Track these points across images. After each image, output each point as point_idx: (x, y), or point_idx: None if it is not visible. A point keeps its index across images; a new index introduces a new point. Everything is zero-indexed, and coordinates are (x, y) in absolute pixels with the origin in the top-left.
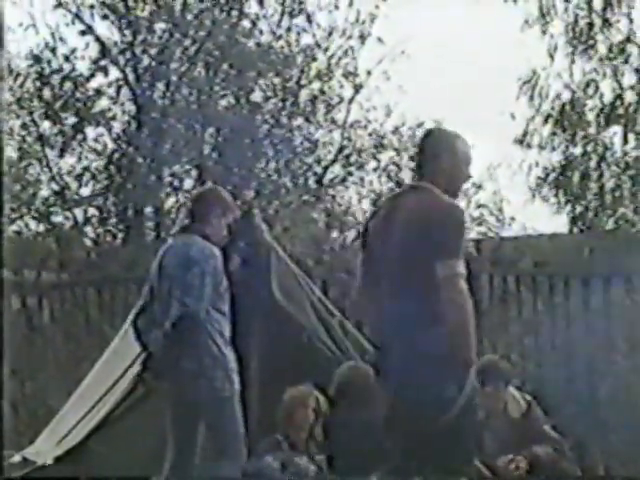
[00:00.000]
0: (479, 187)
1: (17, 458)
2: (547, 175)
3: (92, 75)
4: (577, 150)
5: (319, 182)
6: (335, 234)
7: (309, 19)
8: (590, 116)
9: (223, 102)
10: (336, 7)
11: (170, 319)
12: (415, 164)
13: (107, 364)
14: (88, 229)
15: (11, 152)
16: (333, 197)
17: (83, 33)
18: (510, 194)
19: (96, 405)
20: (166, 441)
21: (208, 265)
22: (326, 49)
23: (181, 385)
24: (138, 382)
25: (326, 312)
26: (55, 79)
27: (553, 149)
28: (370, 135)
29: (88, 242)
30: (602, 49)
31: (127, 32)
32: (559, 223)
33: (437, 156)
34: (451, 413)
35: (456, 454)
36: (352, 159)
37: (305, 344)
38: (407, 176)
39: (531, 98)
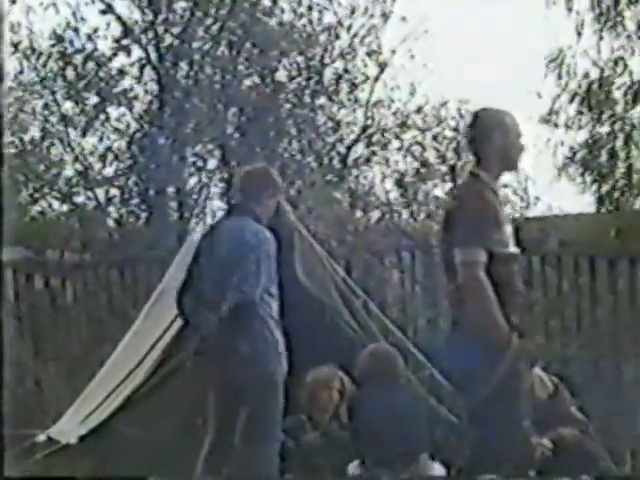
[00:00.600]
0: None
1: (42, 437)
2: (573, 154)
3: (114, 55)
4: (604, 129)
5: (343, 162)
6: (359, 214)
7: None
8: (617, 94)
9: (247, 82)
10: None
11: (228, 305)
12: (469, 147)
13: (130, 345)
14: (111, 209)
15: (34, 132)
16: (356, 177)
17: (103, 12)
18: (536, 174)
19: (120, 385)
20: (189, 422)
21: (262, 251)
22: (349, 27)
23: (234, 370)
24: (161, 362)
25: (350, 293)
26: (77, 59)
27: (580, 128)
28: (394, 114)
29: (111, 222)
30: (630, 26)
31: (147, 11)
32: (585, 203)
33: (489, 137)
34: (482, 396)
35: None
36: (375, 138)
37: (328, 325)
38: (431, 155)
39: (558, 76)
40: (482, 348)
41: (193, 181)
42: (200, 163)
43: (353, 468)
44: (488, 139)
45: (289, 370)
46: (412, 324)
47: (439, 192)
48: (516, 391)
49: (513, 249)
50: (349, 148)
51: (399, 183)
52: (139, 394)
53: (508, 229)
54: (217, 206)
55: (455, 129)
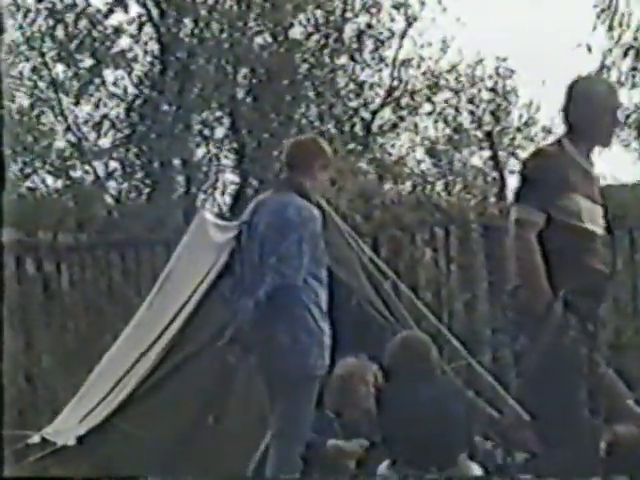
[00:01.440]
0: (549, 131)
1: (36, 439)
2: (627, 116)
3: (110, 11)
4: None
5: (367, 129)
6: (386, 187)
7: None
8: None
9: (258, 40)
10: None
11: (265, 289)
12: (561, 115)
13: (133, 336)
14: (109, 185)
15: (21, 99)
16: (382, 145)
17: None
18: None
19: (121, 380)
20: (199, 419)
21: (306, 230)
22: None
23: (271, 361)
24: (167, 355)
25: (378, 274)
26: (69, 16)
27: (633, 86)
28: (424, 74)
29: (109, 199)
30: None
31: None
32: None
33: (577, 106)
34: (523, 367)
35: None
36: (404, 102)
37: (354, 310)
38: (466, 120)
39: (609, 28)
40: (523, 315)
41: (200, 152)
42: (207, 132)
43: (383, 469)
44: (576, 109)
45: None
46: (447, 308)
47: (476, 161)
48: (564, 372)
49: (590, 225)
50: (374, 113)
51: (431, 151)
52: (143, 390)
53: (586, 204)
54: (228, 179)
55: (492, 90)
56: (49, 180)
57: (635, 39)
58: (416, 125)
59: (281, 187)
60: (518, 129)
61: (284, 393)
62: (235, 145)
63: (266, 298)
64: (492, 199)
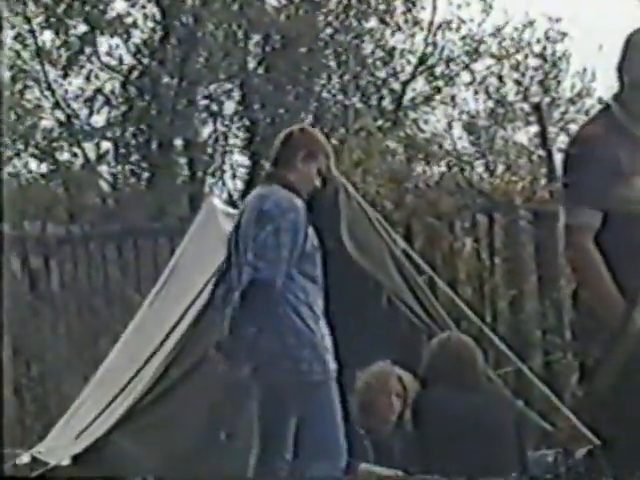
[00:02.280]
0: (606, 107)
1: (25, 459)
2: None
3: None
4: None
5: (397, 102)
6: (419, 168)
7: None
8: None
9: (272, 0)
10: None
11: (240, 288)
12: (617, 75)
13: (133, 340)
14: (103, 169)
15: (3, 71)
16: (415, 121)
17: None
18: None
19: (121, 392)
20: (206, 435)
21: (285, 220)
22: None
23: (260, 369)
24: (172, 363)
25: (411, 267)
26: None
27: None
28: (463, 39)
29: (104, 185)
30: None
31: None
32: None
33: (631, 60)
34: (595, 384)
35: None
36: (439, 71)
37: (383, 308)
38: (510, 91)
39: None
40: (590, 319)
41: (207, 130)
42: (215, 107)
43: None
44: (632, 64)
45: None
46: (491, 306)
47: (521, 138)
48: None
49: None
50: (405, 84)
51: (470, 127)
52: (146, 402)
53: None
54: (238, 161)
55: (541, 56)
56: (33, 164)
57: None
58: (453, 97)
59: (264, 182)
60: (570, 101)
61: (291, 405)
62: (246, 122)
63: (242, 298)
64: (541, 181)
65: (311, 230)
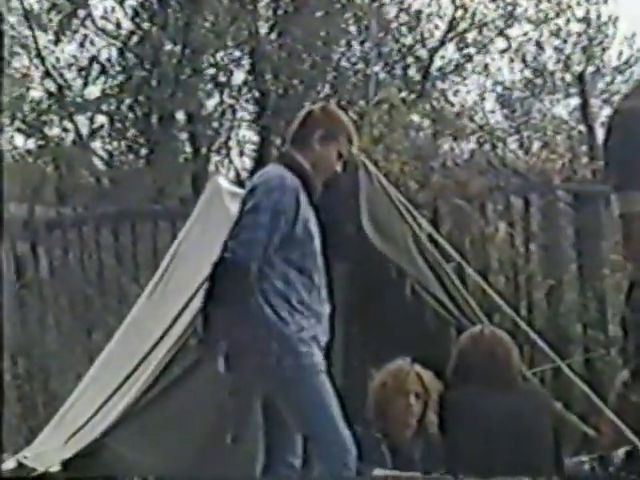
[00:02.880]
0: None
1: (11, 464)
2: None
3: None
4: None
5: (424, 72)
6: (447, 145)
7: None
8: None
9: None
10: None
11: (212, 274)
12: None
13: (130, 334)
14: (97, 145)
15: None
16: (443, 92)
17: None
18: None
19: (116, 392)
20: (210, 438)
21: (268, 198)
22: None
23: (231, 361)
24: (173, 359)
25: (438, 253)
26: None
27: None
28: (495, 1)
29: (98, 163)
30: None
31: None
32: None
33: None
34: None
35: None
36: (470, 37)
37: (408, 299)
38: (549, 59)
39: None
40: None
41: (212, 102)
42: (222, 77)
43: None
44: None
45: (355, 365)
46: (526, 297)
47: (560, 111)
48: None
49: None
50: (433, 51)
51: (504, 100)
52: (143, 403)
53: None
54: (246, 136)
55: (584, 20)
56: (19, 139)
57: None
58: (486, 66)
59: (274, 161)
60: (616, 70)
61: (272, 402)
62: (256, 94)
63: (215, 282)
64: (582, 159)
65: (309, 215)
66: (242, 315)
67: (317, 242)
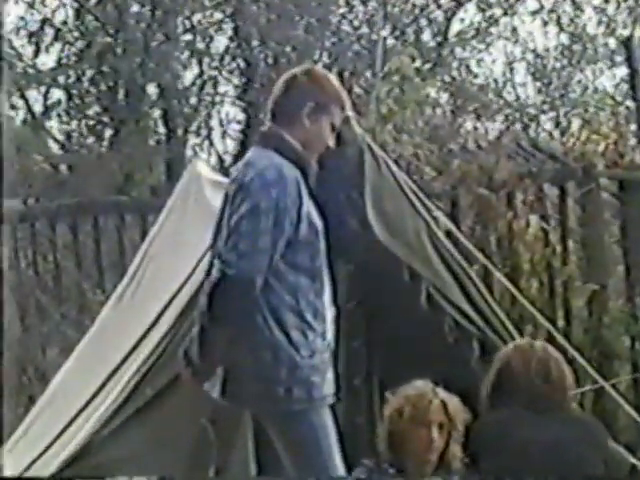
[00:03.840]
0: None
1: None
2: None
3: None
4: None
5: (441, 37)
6: (469, 124)
7: None
8: None
9: None
10: None
11: (207, 290)
12: None
13: (93, 350)
14: (53, 125)
15: None
16: (463, 62)
17: None
18: None
19: (77, 417)
20: (189, 471)
21: (266, 197)
22: None
23: (229, 390)
24: (146, 378)
25: (458, 253)
26: None
27: None
28: None
29: (54, 146)
30: None
31: None
32: None
33: None
34: None
35: None
36: None
37: (423, 308)
38: (590, 22)
39: None
40: None
41: (189, 75)
42: (200, 44)
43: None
44: None
45: (361, 385)
46: (563, 305)
47: (604, 84)
48: None
49: None
50: (450, 13)
51: (536, 70)
52: (110, 429)
53: None
54: (230, 114)
55: None
56: None
57: None
58: (514, 30)
59: (258, 143)
60: None
61: (272, 436)
62: (241, 63)
63: (210, 299)
64: (630, 141)
65: (311, 207)
66: (246, 335)
67: (322, 237)
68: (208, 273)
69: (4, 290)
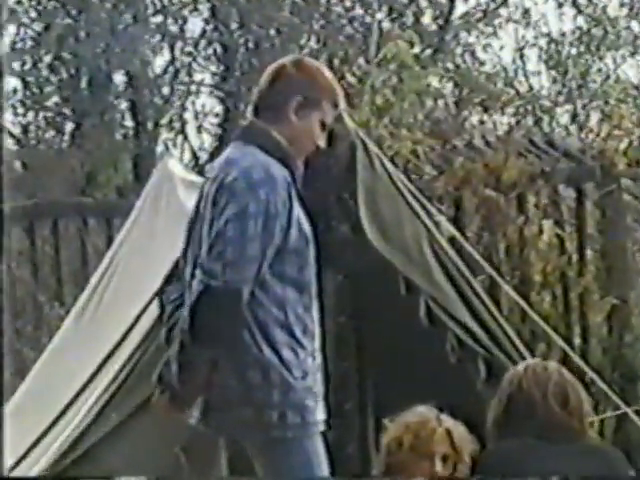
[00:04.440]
0: None
1: None
2: None
3: None
4: None
5: (443, 20)
6: (475, 117)
7: None
8: None
9: None
10: None
11: (190, 304)
12: None
13: (51, 370)
14: (7, 117)
15: None
16: (468, 47)
17: None
18: None
19: (33, 447)
20: None
21: (255, 198)
22: None
23: (213, 415)
24: (111, 402)
25: (462, 265)
26: None
27: None
28: None
29: (8, 142)
30: None
31: None
32: None
33: None
34: None
35: None
36: None
37: (423, 325)
38: (611, 2)
39: None
40: None
41: (160, 61)
42: (172, 26)
43: None
44: None
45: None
46: (579, 321)
47: (627, 72)
48: None
49: None
50: None
51: (550, 57)
52: (69, 460)
53: None
54: (206, 106)
55: None
56: None
57: None
58: (526, 12)
59: (239, 139)
60: None
61: (256, 463)
62: (218, 49)
63: (192, 314)
64: None
65: (300, 211)
66: (232, 354)
67: (312, 245)
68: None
69: None
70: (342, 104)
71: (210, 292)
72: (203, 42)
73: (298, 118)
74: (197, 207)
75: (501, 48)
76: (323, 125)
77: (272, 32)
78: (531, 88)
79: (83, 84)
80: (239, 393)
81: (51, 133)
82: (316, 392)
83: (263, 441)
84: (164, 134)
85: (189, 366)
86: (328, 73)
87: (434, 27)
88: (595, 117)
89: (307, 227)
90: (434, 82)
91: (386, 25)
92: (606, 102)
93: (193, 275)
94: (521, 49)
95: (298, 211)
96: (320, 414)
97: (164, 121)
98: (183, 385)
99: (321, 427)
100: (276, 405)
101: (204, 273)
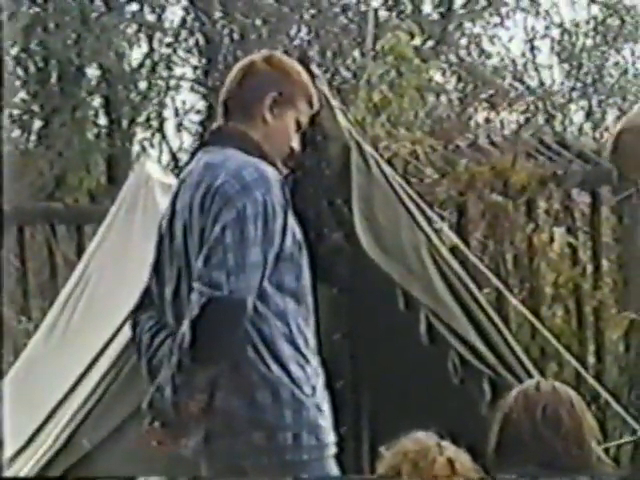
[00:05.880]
0: None
1: None
2: None
3: None
4: None
5: (445, 8)
6: (480, 115)
7: None
8: None
9: None
10: None
11: (190, 317)
12: None
13: (18, 389)
14: None
15: None
16: (473, 39)
17: None
18: None
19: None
20: None
21: (252, 200)
22: None
23: (215, 442)
24: (81, 428)
25: (466, 274)
26: None
27: None
28: None
29: None
30: None
31: None
32: None
33: None
34: None
35: None
36: None
37: (423, 342)
38: None
39: None
40: None
41: (138, 53)
42: (150, 15)
43: None
44: None
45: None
46: (595, 338)
47: None
48: None
49: None
50: None
51: (563, 50)
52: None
53: None
54: (187, 102)
55: None
56: None
57: None
58: (536, 0)
59: (213, 143)
60: None
61: None
62: (200, 40)
63: (193, 334)
64: None
65: (292, 218)
66: (237, 374)
67: (305, 252)
68: (139, 306)
69: None
70: (317, 104)
71: (215, 304)
72: (183, 33)
73: (272, 118)
74: (170, 220)
75: (509, 39)
76: (298, 125)
77: (258, 22)
78: (542, 83)
79: (52, 79)
80: (247, 416)
81: (17, 132)
82: (325, 410)
83: (276, 466)
84: (141, 133)
85: (187, 389)
86: (302, 69)
87: (435, 16)
88: (612, 115)
89: (299, 233)
90: (436, 77)
91: (383, 14)
92: (623, 98)
93: (177, 293)
94: (531, 40)
95: (290, 216)
96: (330, 436)
97: (141, 119)
98: (179, 411)
99: (334, 449)
100: (289, 426)
101: (205, 285)
